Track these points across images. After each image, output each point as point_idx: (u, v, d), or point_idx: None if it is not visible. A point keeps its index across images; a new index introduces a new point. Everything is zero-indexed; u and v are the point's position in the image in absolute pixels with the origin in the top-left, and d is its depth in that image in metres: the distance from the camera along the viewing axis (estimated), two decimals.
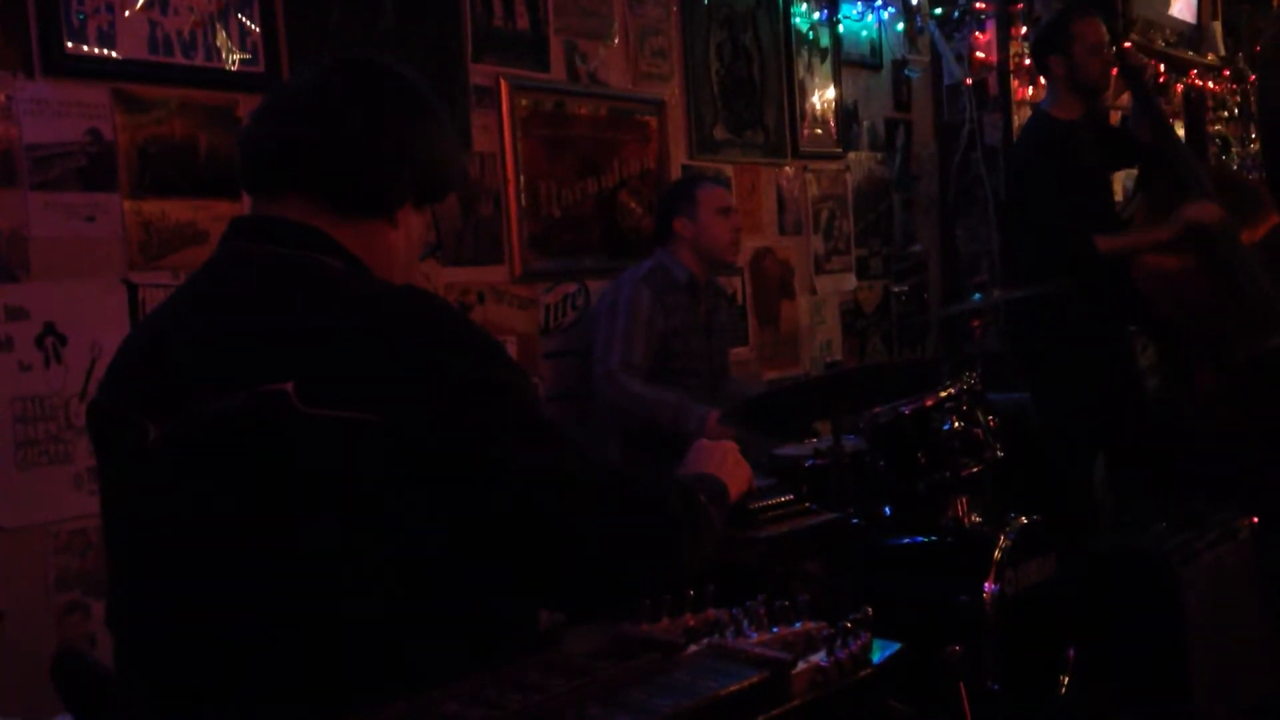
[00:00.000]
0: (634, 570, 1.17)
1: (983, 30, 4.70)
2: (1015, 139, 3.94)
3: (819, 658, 1.07)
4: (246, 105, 2.63)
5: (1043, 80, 3.90)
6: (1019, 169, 3.76)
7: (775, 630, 1.12)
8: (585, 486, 1.18)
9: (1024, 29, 4.73)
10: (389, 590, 1.12)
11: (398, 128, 1.30)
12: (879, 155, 4.65)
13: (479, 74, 3.13)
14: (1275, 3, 6.58)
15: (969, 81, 4.66)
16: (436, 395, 1.13)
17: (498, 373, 1.19)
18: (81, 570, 2.34)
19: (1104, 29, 3.64)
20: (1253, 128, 6.56)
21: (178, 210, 2.51)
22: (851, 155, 4.49)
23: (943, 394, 2.55)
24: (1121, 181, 4.53)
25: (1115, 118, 4.83)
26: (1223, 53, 6.37)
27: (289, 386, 1.09)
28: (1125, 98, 3.92)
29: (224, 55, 2.59)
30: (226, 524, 1.13)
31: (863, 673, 1.09)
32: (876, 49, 4.62)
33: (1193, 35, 6.21)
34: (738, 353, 3.77)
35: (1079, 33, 3.60)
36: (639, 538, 1.21)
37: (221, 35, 2.59)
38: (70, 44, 2.34)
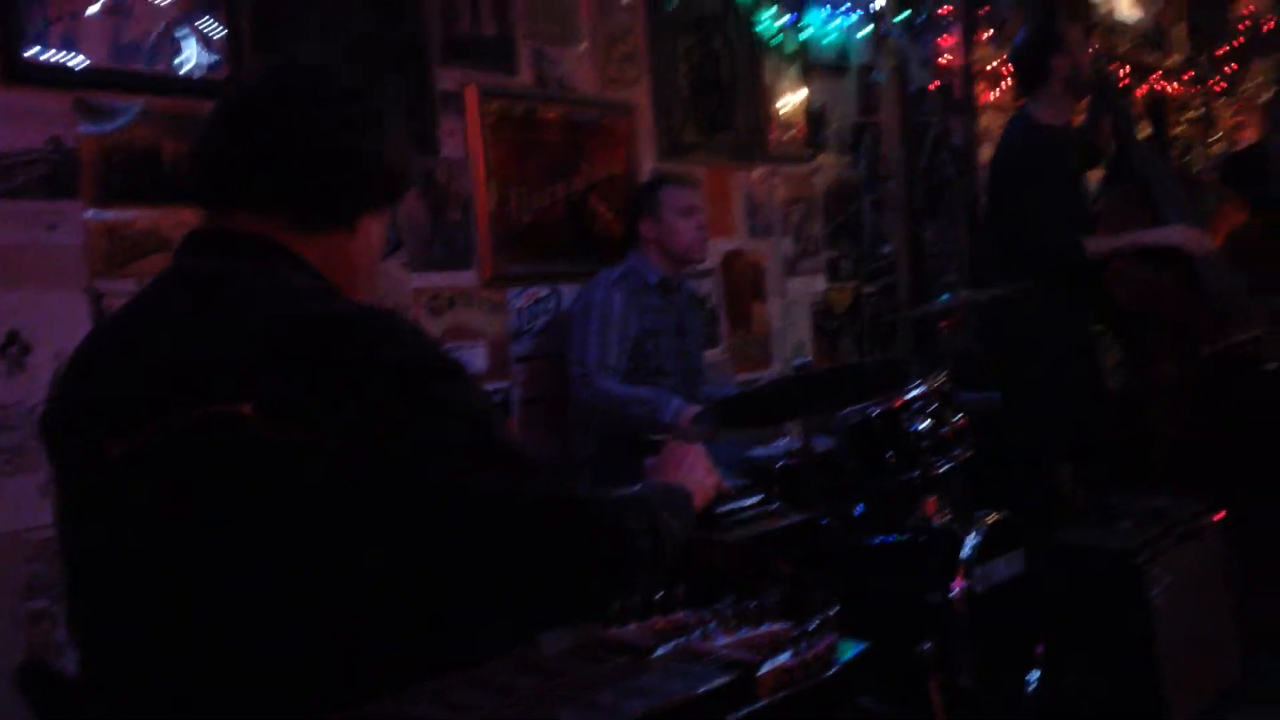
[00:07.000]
0: (590, 592, 1.16)
1: (948, 35, 4.74)
2: (999, 144, 3.95)
3: (785, 658, 1.08)
4: None
5: (1024, 87, 3.86)
6: (1004, 173, 3.74)
7: (743, 633, 1.13)
8: (542, 509, 1.15)
9: (988, 32, 4.78)
10: (345, 605, 1.11)
11: (354, 134, 1.28)
12: (847, 158, 4.68)
13: (446, 79, 3.13)
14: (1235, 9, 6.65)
15: (934, 85, 4.70)
16: (391, 419, 1.11)
17: (455, 395, 1.17)
18: (51, 578, 2.31)
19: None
20: (1213, 129, 6.65)
21: (142, 218, 2.49)
22: (820, 158, 4.52)
23: (912, 394, 2.56)
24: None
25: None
26: (1185, 55, 6.45)
27: (246, 408, 1.08)
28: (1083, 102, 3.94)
29: (188, 61, 2.58)
30: (180, 542, 1.12)
31: (828, 672, 1.10)
32: (843, 53, 4.65)
33: (1154, 37, 6.28)
34: (709, 354, 3.79)
35: (1070, 34, 3.61)
36: (596, 561, 1.18)
37: (185, 41, 2.57)
38: (30, 51, 2.32)
